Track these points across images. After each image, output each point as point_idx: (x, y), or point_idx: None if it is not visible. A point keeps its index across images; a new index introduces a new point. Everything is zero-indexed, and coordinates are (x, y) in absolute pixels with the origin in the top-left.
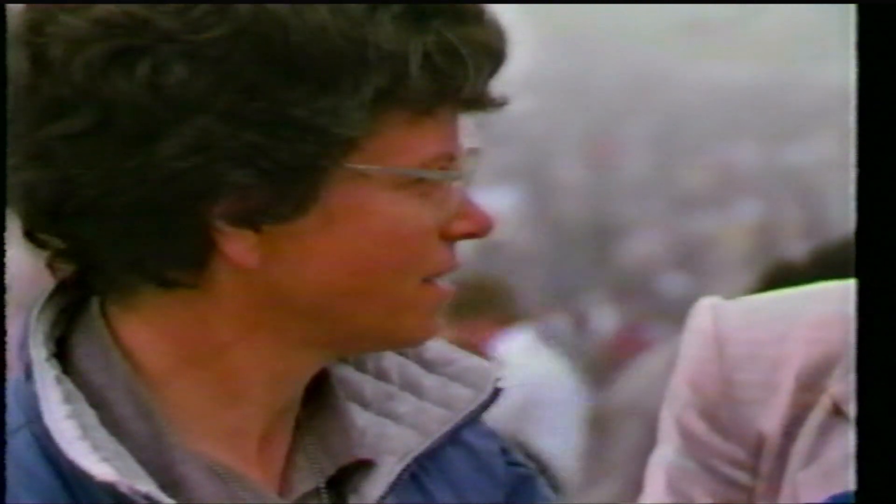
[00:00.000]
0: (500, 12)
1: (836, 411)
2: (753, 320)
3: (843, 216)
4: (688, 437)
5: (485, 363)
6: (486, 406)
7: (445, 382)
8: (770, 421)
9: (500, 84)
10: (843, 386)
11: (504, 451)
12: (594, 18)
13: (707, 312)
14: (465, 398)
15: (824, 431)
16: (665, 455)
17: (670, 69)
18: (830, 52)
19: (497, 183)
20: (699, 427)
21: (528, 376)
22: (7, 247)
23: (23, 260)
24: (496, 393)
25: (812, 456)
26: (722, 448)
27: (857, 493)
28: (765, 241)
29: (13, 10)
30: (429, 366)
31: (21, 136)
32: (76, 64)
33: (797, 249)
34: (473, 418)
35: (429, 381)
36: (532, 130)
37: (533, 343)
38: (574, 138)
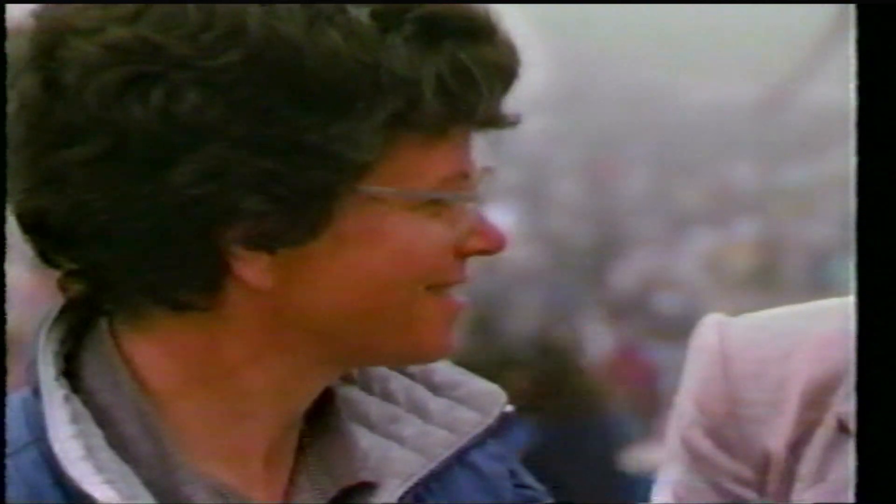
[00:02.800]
0: (513, 31)
1: (843, 429)
2: (759, 338)
3: (842, 234)
4: (694, 456)
5: (493, 387)
6: (492, 430)
7: (452, 405)
8: (776, 439)
9: (509, 102)
10: (848, 404)
11: (513, 474)
12: (593, 37)
13: (713, 330)
14: (471, 421)
15: (830, 450)
16: (672, 474)
17: (669, 89)
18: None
19: (495, 201)
20: (705, 445)
21: None
22: (7, 247)
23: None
24: (503, 417)
25: (819, 475)
26: (728, 466)
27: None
28: (763, 260)
29: (19, 29)
30: (436, 389)
31: (34, 160)
32: (90, 90)
33: (796, 269)
34: (479, 442)
35: (435, 404)
36: (530, 149)
37: None
38: (572, 157)
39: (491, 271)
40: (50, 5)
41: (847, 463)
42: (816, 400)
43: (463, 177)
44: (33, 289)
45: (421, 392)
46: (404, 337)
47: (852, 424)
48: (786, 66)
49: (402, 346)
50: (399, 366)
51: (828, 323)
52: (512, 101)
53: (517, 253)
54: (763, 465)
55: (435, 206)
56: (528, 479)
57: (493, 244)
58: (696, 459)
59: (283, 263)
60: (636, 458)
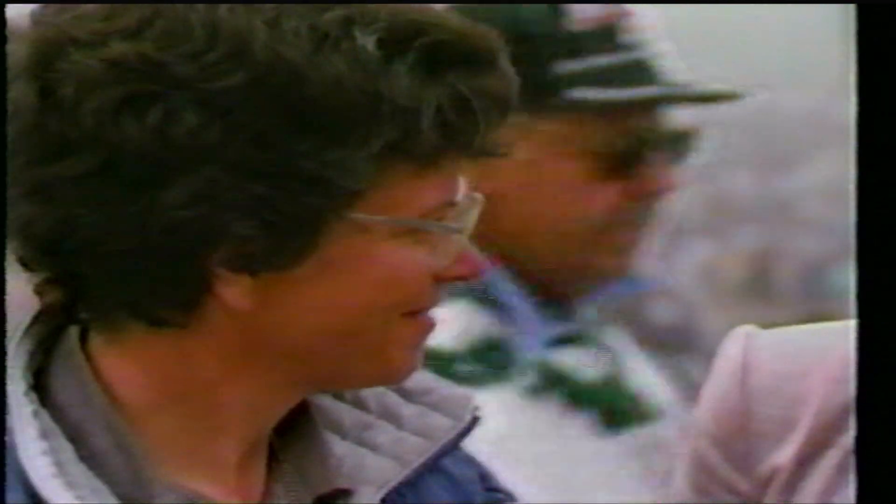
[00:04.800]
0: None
1: None
2: (781, 352)
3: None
4: (699, 465)
5: (464, 392)
6: (464, 435)
7: (424, 412)
8: (784, 455)
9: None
10: None
11: (483, 478)
12: None
13: (739, 341)
14: (444, 427)
15: (842, 471)
16: (676, 481)
17: None
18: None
19: None
20: (712, 456)
21: None
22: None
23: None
24: (475, 421)
25: (828, 494)
26: (728, 478)
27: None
28: (760, 269)
29: (19, 34)
30: (407, 395)
31: (22, 169)
32: (87, 106)
33: (792, 278)
34: (451, 447)
35: (408, 410)
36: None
37: None
38: None
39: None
40: (50, 8)
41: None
42: (831, 421)
43: (450, 205)
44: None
45: (392, 398)
46: (375, 360)
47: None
48: (779, 74)
49: (371, 369)
50: (367, 387)
51: (849, 342)
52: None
53: None
54: (765, 480)
55: (420, 233)
56: (497, 483)
57: (471, 272)
58: (699, 468)
59: (265, 286)
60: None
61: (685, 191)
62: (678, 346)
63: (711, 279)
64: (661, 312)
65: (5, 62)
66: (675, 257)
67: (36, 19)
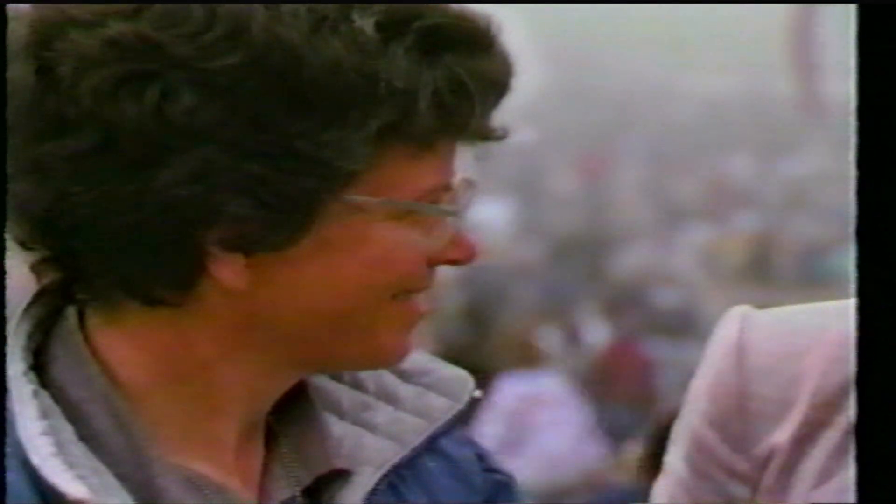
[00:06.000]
0: (508, 37)
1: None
2: (777, 332)
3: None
4: (696, 445)
5: (461, 373)
6: (462, 415)
7: (422, 392)
8: (782, 435)
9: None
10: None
11: (480, 458)
12: (588, 34)
13: (735, 321)
14: (442, 408)
15: (840, 451)
16: (671, 462)
17: (663, 82)
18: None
19: (491, 195)
20: (709, 436)
21: None
22: (7, 247)
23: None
24: (472, 402)
25: (827, 474)
26: (727, 459)
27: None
28: (760, 253)
29: (19, 14)
30: (405, 376)
31: (20, 148)
32: (84, 85)
33: (793, 261)
34: (450, 427)
35: (405, 391)
36: (526, 143)
37: None
38: (568, 151)
39: (489, 265)
40: None
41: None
42: (827, 401)
43: (445, 188)
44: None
45: (390, 379)
46: (368, 341)
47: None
48: (778, 61)
49: (364, 350)
50: (360, 370)
51: (848, 322)
52: (511, 101)
53: (514, 247)
54: (763, 460)
55: (415, 215)
56: (495, 463)
57: (466, 255)
58: (697, 449)
59: (259, 266)
60: (634, 450)
61: (686, 176)
62: (681, 329)
63: (711, 263)
64: (664, 297)
65: (5, 63)
66: (676, 241)
67: (46, 5)
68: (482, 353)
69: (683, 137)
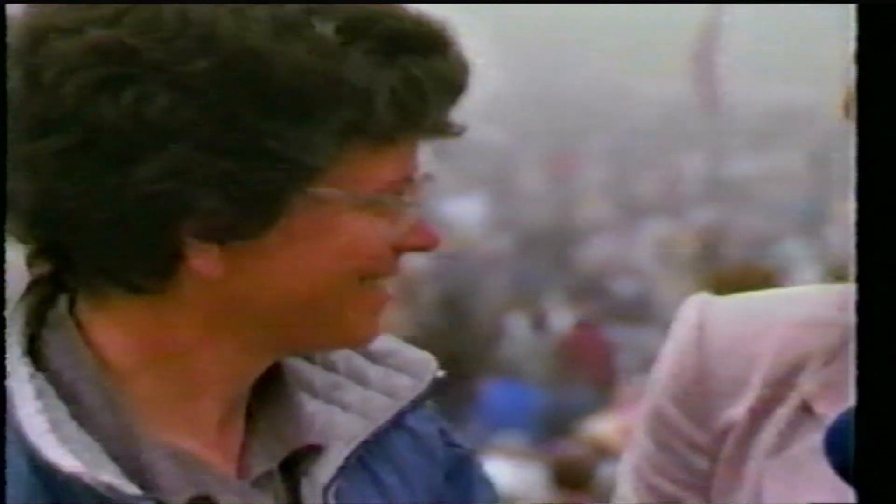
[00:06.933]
0: (467, 39)
1: (805, 408)
2: (734, 317)
3: (781, 222)
4: (660, 420)
5: (425, 355)
6: (425, 395)
7: (389, 373)
8: (739, 411)
9: (465, 105)
10: (813, 385)
11: (443, 433)
12: (555, 40)
13: (695, 306)
14: (407, 387)
15: (792, 426)
16: (636, 436)
17: (625, 87)
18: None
19: (464, 192)
20: (671, 411)
21: None
22: (7, 247)
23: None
24: (435, 382)
25: (779, 447)
26: (688, 432)
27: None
28: (711, 245)
29: (13, 17)
30: (373, 357)
31: (11, 147)
32: (67, 87)
33: (739, 254)
34: (414, 406)
35: (373, 371)
36: (497, 145)
37: None
38: (536, 151)
39: (461, 257)
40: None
41: (808, 439)
42: (781, 379)
43: (407, 181)
44: None
45: (359, 361)
46: (337, 324)
47: (815, 404)
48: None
49: (334, 333)
50: (332, 350)
51: (800, 307)
52: (481, 104)
53: (486, 240)
54: (721, 433)
55: (378, 206)
56: (457, 438)
57: (427, 242)
58: (660, 424)
59: (233, 255)
60: (594, 426)
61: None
62: (639, 316)
63: (666, 255)
64: (623, 286)
65: (5, 63)
66: (635, 235)
67: (26, 12)
68: (457, 338)
69: (642, 139)
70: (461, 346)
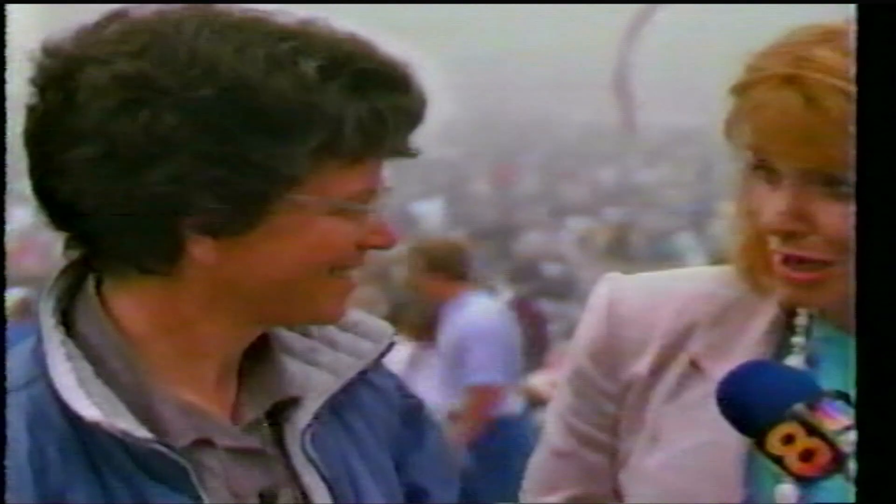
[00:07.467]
0: (431, 79)
1: (693, 365)
2: (638, 292)
3: (677, 220)
4: (578, 375)
5: (384, 323)
6: (383, 355)
7: (355, 338)
8: (641, 367)
9: (427, 129)
10: (699, 347)
11: (399, 387)
12: (497, 75)
13: (607, 283)
14: (369, 350)
15: (682, 380)
16: (561, 389)
17: (553, 114)
18: (671, 101)
19: (427, 197)
20: (587, 366)
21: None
22: (6, 246)
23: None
24: (390, 346)
25: (672, 396)
26: (600, 383)
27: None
28: (622, 239)
29: (60, 43)
30: (342, 326)
31: (49, 154)
32: (95, 107)
33: (643, 245)
34: (375, 365)
35: (342, 337)
36: (451, 157)
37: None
38: (482, 165)
39: None
40: (81, 31)
41: (695, 391)
42: (674, 342)
43: (371, 192)
44: None
45: (331, 329)
46: (310, 306)
47: (701, 362)
48: (644, 92)
49: (308, 312)
50: (308, 325)
51: (689, 284)
52: (440, 127)
53: (444, 234)
54: (627, 384)
55: (346, 211)
56: (410, 390)
57: (387, 242)
58: (578, 377)
59: (225, 246)
60: (530, 380)
61: (569, 183)
62: (563, 294)
63: (586, 245)
64: (552, 270)
65: (5, 63)
66: (562, 230)
67: (69, 41)
68: (422, 311)
69: (567, 155)
70: (425, 317)
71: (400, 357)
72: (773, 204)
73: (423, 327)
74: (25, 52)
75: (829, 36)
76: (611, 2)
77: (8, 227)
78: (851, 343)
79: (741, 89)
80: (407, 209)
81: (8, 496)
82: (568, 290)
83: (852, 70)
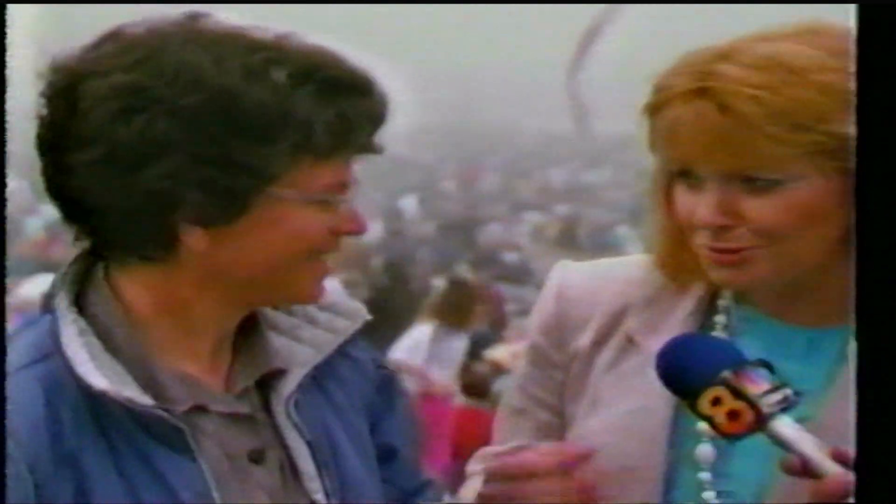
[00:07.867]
0: (403, 93)
1: (629, 339)
2: (583, 277)
3: (618, 215)
4: (533, 348)
5: (358, 304)
6: (358, 331)
7: (333, 317)
8: (584, 340)
9: (401, 135)
10: (634, 324)
11: (374, 360)
12: (463, 86)
13: (559, 269)
14: (346, 326)
15: (620, 353)
16: (521, 360)
17: (512, 121)
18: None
19: (403, 194)
20: (540, 342)
21: None
22: (6, 246)
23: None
24: (364, 322)
25: (611, 366)
26: (550, 354)
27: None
28: (570, 231)
29: (67, 58)
30: (321, 306)
31: (58, 157)
32: (95, 114)
33: (590, 236)
34: (351, 340)
35: (321, 315)
36: (424, 160)
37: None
38: (450, 166)
39: (401, 237)
40: (85, 48)
41: (631, 363)
42: (613, 320)
43: (342, 185)
44: None
45: (312, 308)
46: (290, 288)
47: (636, 337)
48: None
49: (288, 294)
50: (289, 305)
51: (627, 270)
52: (412, 132)
53: (418, 226)
54: (573, 356)
55: (321, 203)
56: (385, 363)
57: (358, 229)
58: (532, 349)
59: (214, 235)
60: (492, 353)
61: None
62: (520, 279)
63: (539, 236)
64: (510, 258)
65: (5, 63)
66: (519, 223)
67: (74, 57)
68: (397, 294)
69: (524, 157)
70: (400, 300)
71: (421, 336)
72: (703, 203)
73: (400, 309)
74: (34, 69)
75: (725, 52)
76: (574, 1)
77: (38, 221)
78: (767, 322)
79: (654, 109)
80: (387, 204)
81: (26, 460)
82: (524, 276)
83: (756, 79)
